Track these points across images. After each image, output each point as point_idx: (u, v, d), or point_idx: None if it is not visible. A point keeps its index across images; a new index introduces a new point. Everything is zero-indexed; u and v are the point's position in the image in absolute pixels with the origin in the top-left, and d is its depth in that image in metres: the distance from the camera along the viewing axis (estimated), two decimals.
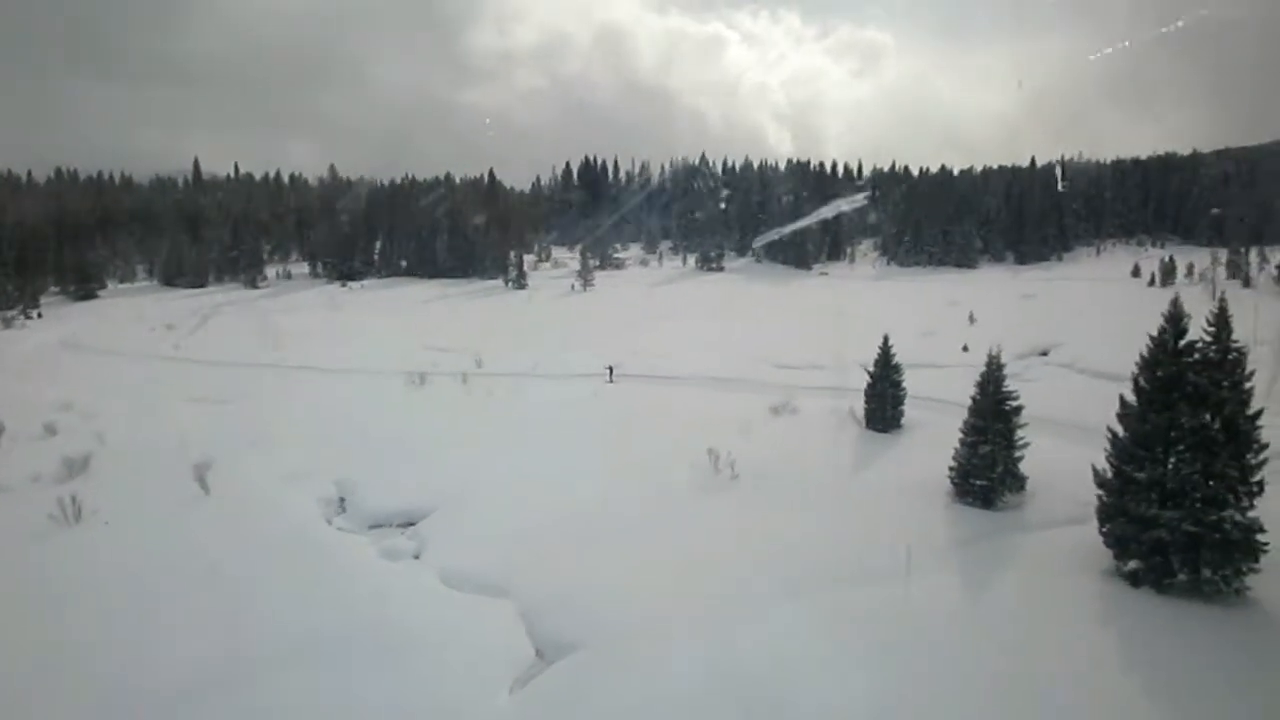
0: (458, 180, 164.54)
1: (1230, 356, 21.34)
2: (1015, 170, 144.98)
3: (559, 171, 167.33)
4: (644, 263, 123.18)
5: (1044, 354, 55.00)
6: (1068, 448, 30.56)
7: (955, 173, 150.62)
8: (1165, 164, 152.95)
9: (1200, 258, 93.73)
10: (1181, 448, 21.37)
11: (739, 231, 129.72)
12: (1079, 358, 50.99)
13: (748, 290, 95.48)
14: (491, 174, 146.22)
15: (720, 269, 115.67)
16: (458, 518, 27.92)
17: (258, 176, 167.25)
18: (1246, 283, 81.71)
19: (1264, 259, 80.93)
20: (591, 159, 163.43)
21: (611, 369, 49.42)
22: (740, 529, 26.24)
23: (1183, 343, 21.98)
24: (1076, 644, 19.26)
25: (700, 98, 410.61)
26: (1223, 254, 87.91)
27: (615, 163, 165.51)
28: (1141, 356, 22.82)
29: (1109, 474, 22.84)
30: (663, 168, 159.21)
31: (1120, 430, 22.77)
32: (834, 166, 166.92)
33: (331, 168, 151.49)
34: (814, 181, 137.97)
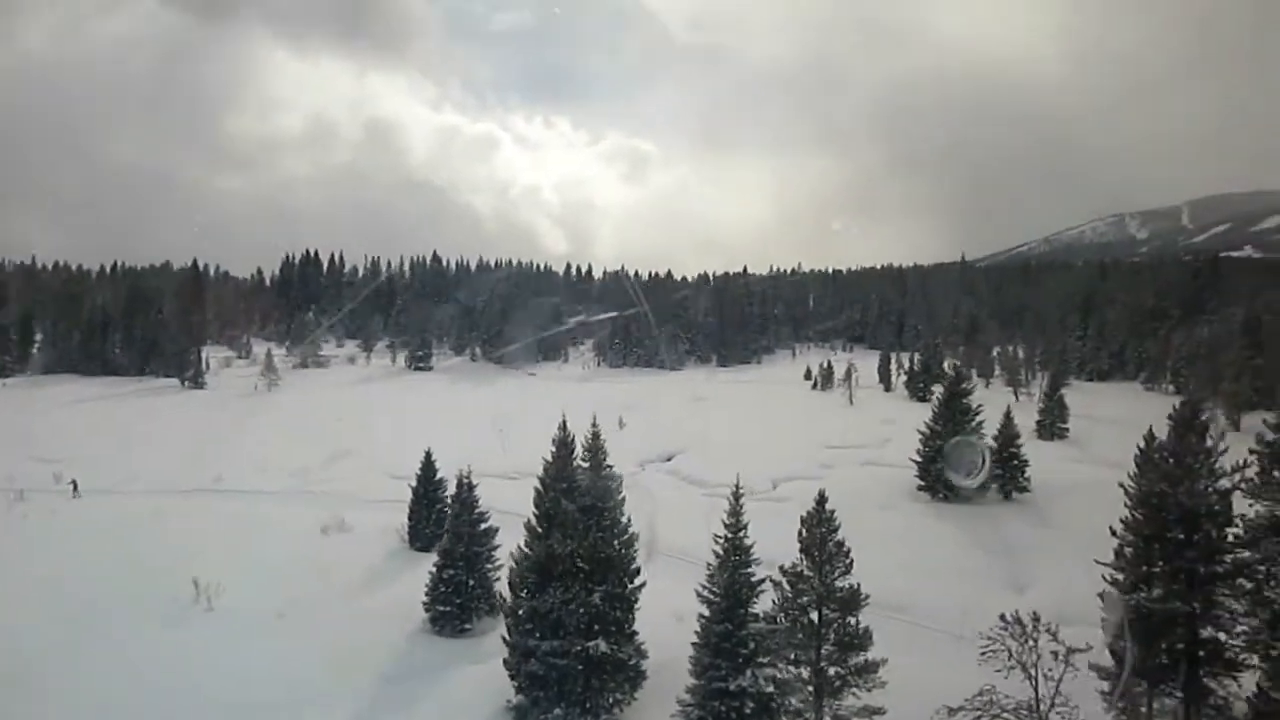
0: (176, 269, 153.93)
1: (607, 483, 21.81)
2: (728, 277, 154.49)
3: (293, 259, 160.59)
4: (352, 360, 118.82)
5: (669, 459, 56.77)
6: None
7: (681, 278, 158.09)
8: (860, 276, 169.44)
9: (869, 362, 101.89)
10: (558, 577, 21.41)
11: (458, 330, 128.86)
12: (685, 466, 53.04)
13: (442, 392, 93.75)
14: (195, 263, 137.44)
15: (429, 368, 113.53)
16: None
17: None
18: (888, 387, 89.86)
19: (900, 366, 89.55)
20: (311, 253, 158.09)
21: (75, 483, 45.55)
22: (171, 669, 24.03)
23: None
24: None
25: (474, 195, 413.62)
26: (875, 359, 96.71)
27: (341, 257, 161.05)
28: (541, 479, 23.05)
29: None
30: (389, 264, 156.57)
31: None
32: (566, 268, 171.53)
33: None
34: (533, 283, 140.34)
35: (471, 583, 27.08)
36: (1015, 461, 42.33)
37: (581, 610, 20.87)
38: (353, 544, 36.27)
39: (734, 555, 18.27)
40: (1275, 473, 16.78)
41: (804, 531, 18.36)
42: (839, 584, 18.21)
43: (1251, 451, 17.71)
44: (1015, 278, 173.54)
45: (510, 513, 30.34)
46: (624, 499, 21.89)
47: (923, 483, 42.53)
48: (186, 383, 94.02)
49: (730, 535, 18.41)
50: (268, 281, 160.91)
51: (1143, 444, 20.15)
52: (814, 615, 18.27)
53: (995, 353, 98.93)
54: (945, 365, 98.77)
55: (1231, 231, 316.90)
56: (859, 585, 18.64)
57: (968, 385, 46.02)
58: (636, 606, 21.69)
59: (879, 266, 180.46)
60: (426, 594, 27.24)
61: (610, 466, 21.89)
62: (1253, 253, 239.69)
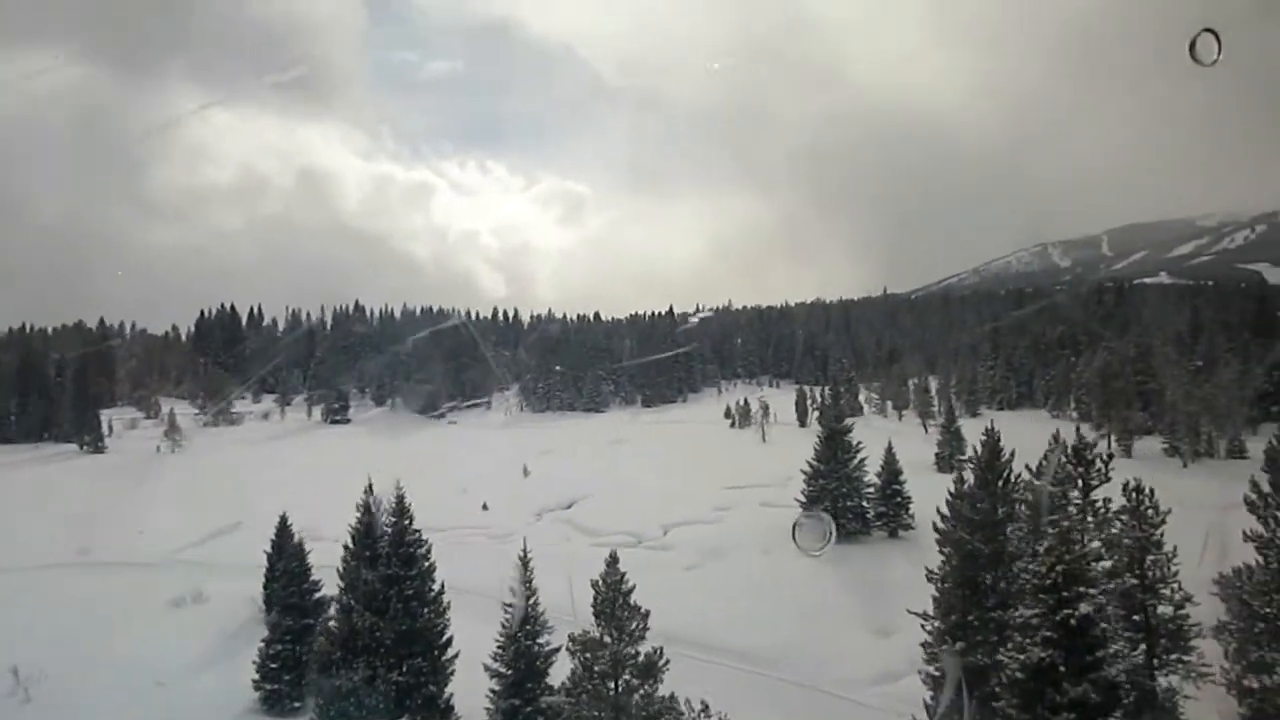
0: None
1: (412, 550, 20.75)
2: (655, 317, 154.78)
3: (211, 315, 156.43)
4: (266, 416, 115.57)
5: (569, 507, 55.65)
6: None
7: (610, 319, 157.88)
8: (787, 312, 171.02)
9: (792, 397, 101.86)
10: (360, 653, 20.22)
11: (379, 381, 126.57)
12: (583, 514, 52.06)
13: (351, 446, 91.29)
14: (101, 322, 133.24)
15: (346, 421, 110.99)
16: None
17: None
18: (803, 423, 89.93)
19: (813, 401, 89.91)
20: (228, 306, 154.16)
21: None
22: None
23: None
24: None
25: (411, 242, 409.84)
26: (793, 394, 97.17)
27: (260, 309, 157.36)
28: (347, 547, 21.86)
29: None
30: (308, 315, 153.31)
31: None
32: (494, 313, 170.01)
33: None
34: (459, 329, 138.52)
35: (304, 657, 25.56)
36: (899, 499, 42.09)
37: (383, 688, 19.67)
38: (204, 617, 34.49)
39: (525, 624, 17.30)
40: (1044, 526, 16.43)
41: (595, 595, 17.49)
42: (636, 650, 17.32)
43: (1023, 504, 17.39)
44: (938, 309, 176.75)
45: None
46: (431, 566, 20.78)
47: None
48: (85, 447, 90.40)
49: (522, 603, 17.46)
50: (183, 337, 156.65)
51: (953, 487, 19.77)
52: (611, 685, 17.34)
53: (911, 384, 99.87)
54: (861, 398, 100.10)
55: (1148, 259, 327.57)
56: (660, 650, 17.77)
57: (848, 423, 45.84)
58: (450, 677, 20.53)
59: (808, 301, 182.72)
60: (256, 671, 25.74)
61: (418, 531, 20.80)
62: (1166, 279, 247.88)
